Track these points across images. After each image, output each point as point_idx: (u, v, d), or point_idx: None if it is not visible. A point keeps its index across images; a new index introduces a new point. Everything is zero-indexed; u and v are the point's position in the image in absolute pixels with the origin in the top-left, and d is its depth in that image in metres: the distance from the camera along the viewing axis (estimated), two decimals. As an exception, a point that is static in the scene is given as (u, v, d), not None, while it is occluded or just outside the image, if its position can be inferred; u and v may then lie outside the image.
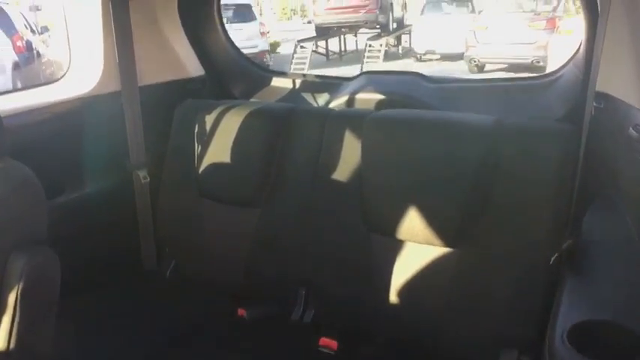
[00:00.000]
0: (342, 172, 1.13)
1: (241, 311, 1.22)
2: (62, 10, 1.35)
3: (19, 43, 5.46)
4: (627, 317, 0.67)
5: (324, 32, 9.88)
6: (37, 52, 5.99)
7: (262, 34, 9.20)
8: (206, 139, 1.29)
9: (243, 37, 7.90)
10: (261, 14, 14.38)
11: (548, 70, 6.22)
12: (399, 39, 10.49)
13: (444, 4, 9.76)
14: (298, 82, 1.58)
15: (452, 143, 1.02)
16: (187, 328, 1.18)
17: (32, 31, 6.12)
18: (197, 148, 1.30)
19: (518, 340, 0.94)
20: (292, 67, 8.32)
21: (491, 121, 1.03)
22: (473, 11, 9.14)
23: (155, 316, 1.22)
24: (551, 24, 6.90)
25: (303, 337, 1.13)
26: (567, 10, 7.53)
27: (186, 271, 1.33)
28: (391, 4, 10.14)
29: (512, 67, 7.48)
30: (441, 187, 1.01)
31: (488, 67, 7.78)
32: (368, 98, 1.40)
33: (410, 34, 10.11)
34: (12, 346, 0.78)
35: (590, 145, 0.87)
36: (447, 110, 1.24)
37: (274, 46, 11.00)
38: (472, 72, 7.64)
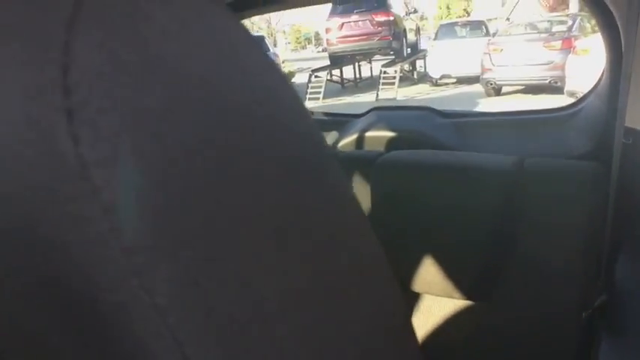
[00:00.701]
0: None
1: None
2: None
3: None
4: None
5: (338, 60, 9.98)
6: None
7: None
8: None
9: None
10: (275, 45, 14.63)
11: (565, 90, 6.16)
12: (413, 64, 10.52)
13: (457, 28, 9.79)
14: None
15: (469, 188, 0.95)
16: None
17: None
18: None
19: None
20: (307, 96, 8.38)
21: (511, 162, 0.96)
22: (487, 34, 9.13)
23: None
24: (567, 44, 6.81)
25: None
26: (583, 28, 7.45)
27: None
28: (404, 30, 10.22)
29: (530, 89, 7.40)
30: (458, 236, 0.94)
31: (505, 89, 7.71)
32: (378, 136, 1.35)
33: (424, 58, 10.15)
34: None
35: (620, 185, 0.80)
36: (463, 147, 1.17)
37: (289, 76, 11.15)
38: (489, 95, 7.58)
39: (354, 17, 9.48)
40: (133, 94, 0.18)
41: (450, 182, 0.98)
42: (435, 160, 1.06)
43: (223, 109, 0.21)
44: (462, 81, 9.00)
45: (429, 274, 0.94)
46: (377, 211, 1.03)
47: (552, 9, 13.22)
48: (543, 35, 7.51)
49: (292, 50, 19.41)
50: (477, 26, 9.64)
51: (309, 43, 21.68)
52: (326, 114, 1.61)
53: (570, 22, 7.66)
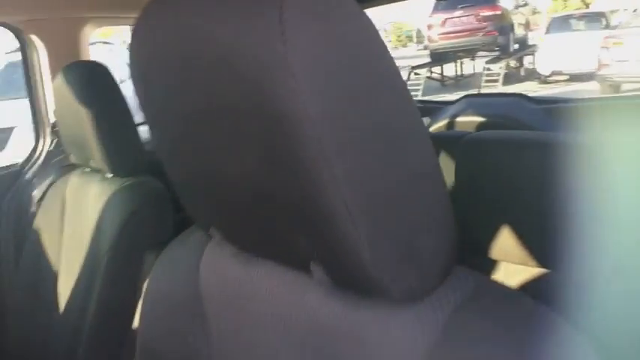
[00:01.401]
0: None
1: None
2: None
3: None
4: None
5: (439, 57, 9.77)
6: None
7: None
8: None
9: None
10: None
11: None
12: (520, 60, 9.97)
13: (572, 21, 9.09)
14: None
15: (554, 165, 1.00)
16: None
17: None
18: None
19: None
20: (405, 93, 8.34)
21: (597, 139, 0.99)
22: (607, 26, 8.37)
23: None
24: None
25: None
26: None
27: None
28: (512, 25, 9.72)
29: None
30: (537, 208, 0.99)
31: (624, 86, 7.04)
32: (468, 121, 1.41)
33: (533, 54, 9.57)
34: None
35: None
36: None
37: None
38: (605, 93, 6.97)
39: (458, 12, 9.22)
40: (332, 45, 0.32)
41: (536, 158, 1.03)
42: (521, 138, 1.11)
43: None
44: (575, 78, 8.36)
45: (507, 243, 1.01)
46: (461, 187, 1.11)
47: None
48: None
49: (393, 48, 19.32)
50: (596, 18, 8.87)
51: (410, 41, 21.41)
52: (419, 101, 1.70)
53: None
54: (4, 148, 4.18)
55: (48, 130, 1.48)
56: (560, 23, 9.01)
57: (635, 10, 9.18)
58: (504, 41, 9.35)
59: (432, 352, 0.34)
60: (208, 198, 0.47)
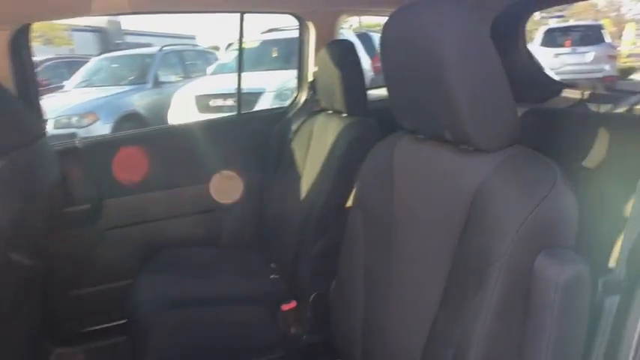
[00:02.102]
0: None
1: None
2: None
3: (376, 64, 6.39)
4: None
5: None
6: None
7: (611, 57, 8.50)
8: None
9: (587, 60, 7.56)
10: (620, 37, 12.89)
11: None
12: None
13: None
14: (586, 93, 1.85)
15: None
16: None
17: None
18: None
19: None
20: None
21: None
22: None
23: None
24: None
25: None
26: None
27: None
28: None
29: None
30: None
31: None
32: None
33: None
34: None
35: None
36: None
37: (626, 72, 9.88)
38: None
39: None
40: None
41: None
42: None
43: None
44: None
45: None
46: None
47: None
48: None
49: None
50: None
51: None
52: (608, 89, 1.83)
53: None
54: (255, 105, 5.40)
55: (306, 86, 2.17)
56: None
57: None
58: None
59: (490, 174, 0.78)
60: (406, 106, 0.96)
